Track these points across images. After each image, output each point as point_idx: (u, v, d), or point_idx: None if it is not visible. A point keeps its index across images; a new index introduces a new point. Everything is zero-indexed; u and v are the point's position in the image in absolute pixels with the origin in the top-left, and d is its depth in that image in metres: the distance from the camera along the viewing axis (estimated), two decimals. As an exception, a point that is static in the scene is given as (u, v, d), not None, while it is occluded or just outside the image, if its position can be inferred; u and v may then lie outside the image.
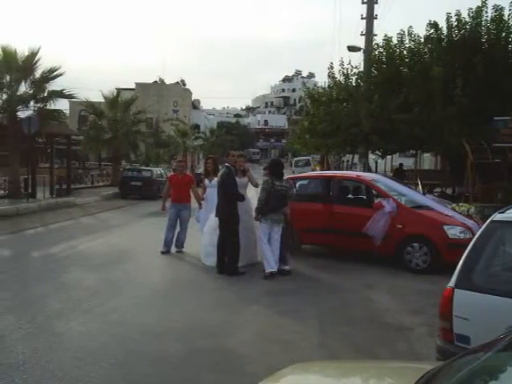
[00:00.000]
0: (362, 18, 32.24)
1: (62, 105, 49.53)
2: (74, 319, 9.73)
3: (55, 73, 31.07)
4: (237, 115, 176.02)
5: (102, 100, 48.44)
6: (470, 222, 14.89)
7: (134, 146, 49.36)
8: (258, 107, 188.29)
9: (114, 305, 10.77)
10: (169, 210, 17.05)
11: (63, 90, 32.28)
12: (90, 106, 47.38)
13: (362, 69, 29.72)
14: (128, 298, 11.39)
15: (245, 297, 11.87)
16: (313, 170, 52.40)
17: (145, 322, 9.69)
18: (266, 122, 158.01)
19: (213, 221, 14.69)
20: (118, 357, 7.95)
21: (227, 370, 7.67)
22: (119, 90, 49.49)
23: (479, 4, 24.12)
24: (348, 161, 48.78)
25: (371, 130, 25.76)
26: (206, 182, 16.57)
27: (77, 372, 7.36)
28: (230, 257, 13.80)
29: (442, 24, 24.75)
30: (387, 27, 32.36)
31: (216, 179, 15.01)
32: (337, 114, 28.01)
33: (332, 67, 30.77)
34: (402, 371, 4.64)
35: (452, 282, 6.14)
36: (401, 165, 38.93)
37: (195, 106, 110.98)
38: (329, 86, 32.13)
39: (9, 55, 29.72)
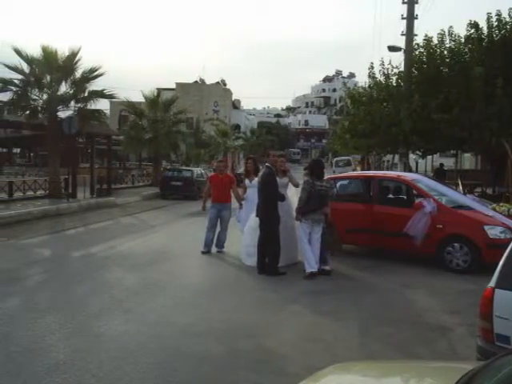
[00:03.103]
0: (402, 18, 31.94)
1: (103, 105, 50.10)
2: (114, 319, 9.82)
3: (96, 73, 31.37)
4: (277, 115, 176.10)
5: (143, 100, 48.79)
6: (510, 222, 14.79)
7: (175, 145, 49.69)
8: (299, 107, 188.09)
9: (154, 305, 10.84)
10: (209, 210, 17.09)
11: (104, 90, 32.61)
12: (131, 105, 47.86)
13: (402, 69, 29.52)
14: (168, 298, 11.47)
15: (285, 297, 11.88)
16: (353, 170, 52.31)
17: (185, 322, 9.74)
18: (306, 122, 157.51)
19: (253, 221, 14.73)
20: (158, 357, 8.00)
21: (267, 370, 7.69)
22: (160, 90, 49.70)
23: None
24: (388, 161, 48.57)
25: (411, 130, 25.61)
26: (247, 181, 16.61)
27: (117, 372, 7.43)
28: (270, 257, 13.81)
29: (483, 24, 24.58)
30: (427, 27, 32.01)
31: (256, 179, 15.06)
32: (377, 114, 27.87)
33: (372, 67, 30.54)
34: (443, 371, 4.64)
35: (492, 282, 6.12)
36: (441, 165, 38.63)
37: (235, 106, 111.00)
38: (369, 86, 31.92)
39: (49, 55, 29.99)
